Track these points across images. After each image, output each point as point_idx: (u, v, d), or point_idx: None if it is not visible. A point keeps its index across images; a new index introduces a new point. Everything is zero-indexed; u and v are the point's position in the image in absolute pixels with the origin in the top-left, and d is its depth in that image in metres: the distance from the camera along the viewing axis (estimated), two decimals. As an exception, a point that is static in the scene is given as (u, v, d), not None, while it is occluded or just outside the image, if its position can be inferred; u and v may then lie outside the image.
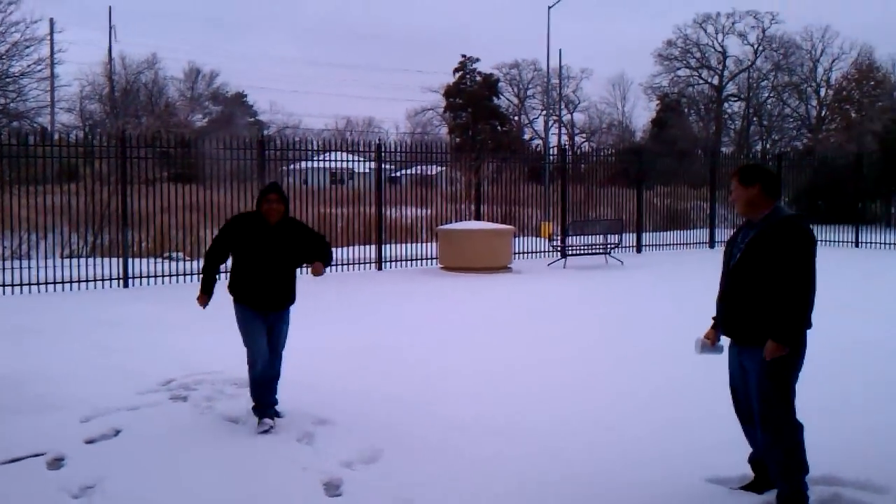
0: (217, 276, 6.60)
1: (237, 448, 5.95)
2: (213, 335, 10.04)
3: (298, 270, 6.75)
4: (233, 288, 6.48)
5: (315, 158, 21.30)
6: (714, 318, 5.07)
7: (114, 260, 16.07)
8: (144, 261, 16.83)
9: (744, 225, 4.94)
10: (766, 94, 59.80)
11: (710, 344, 5.02)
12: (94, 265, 15.86)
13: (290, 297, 6.59)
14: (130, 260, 15.89)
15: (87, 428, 6.37)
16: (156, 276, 15.84)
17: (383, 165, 19.80)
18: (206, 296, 6.55)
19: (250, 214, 6.53)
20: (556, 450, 5.83)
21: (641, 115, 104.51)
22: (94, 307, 12.74)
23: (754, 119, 60.12)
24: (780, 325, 4.51)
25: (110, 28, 46.65)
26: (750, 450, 5.03)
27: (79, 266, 15.59)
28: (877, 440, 6.01)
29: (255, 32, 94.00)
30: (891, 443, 5.95)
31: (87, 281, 15.13)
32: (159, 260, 17.38)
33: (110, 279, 15.38)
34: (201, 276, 6.53)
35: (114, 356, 8.99)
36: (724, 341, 4.99)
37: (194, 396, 7.30)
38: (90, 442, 6.10)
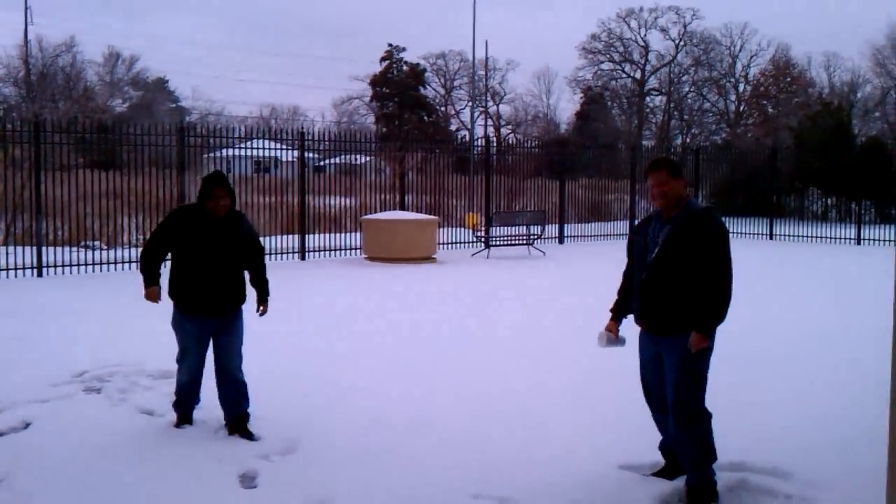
0: (159, 269, 6.03)
1: (151, 440, 5.86)
2: (128, 325, 9.88)
3: None
4: (174, 292, 5.90)
5: (238, 146, 21.07)
6: (612, 311, 5.17)
7: (28, 248, 15.65)
8: (60, 249, 16.42)
9: (651, 217, 4.98)
10: (687, 89, 60.95)
11: (614, 337, 5.08)
12: (7, 254, 15.42)
13: (240, 297, 6.02)
14: (45, 248, 15.49)
15: (-5, 421, 6.20)
16: (72, 266, 15.48)
17: (308, 154, 19.66)
18: (154, 286, 5.98)
19: (193, 208, 5.89)
20: (470, 440, 5.88)
21: (566, 107, 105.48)
22: (6, 296, 12.40)
23: (675, 113, 61.23)
24: (704, 317, 4.61)
25: (26, 9, 45.25)
26: (660, 437, 5.13)
27: (-10, 254, 15.13)
28: (786, 428, 6.19)
29: (178, 16, 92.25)
30: (799, 431, 6.13)
31: (0, 270, 14.72)
32: (76, 249, 16.98)
33: (24, 268, 14.98)
34: (142, 272, 5.95)
35: (25, 347, 8.76)
36: (626, 333, 5.08)
37: (108, 388, 7.16)
38: (-1, 435, 5.94)
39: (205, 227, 5.80)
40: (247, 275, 6.12)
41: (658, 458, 5.21)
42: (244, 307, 6.06)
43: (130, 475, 5.18)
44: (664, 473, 5.09)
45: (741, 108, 59.64)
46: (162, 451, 5.60)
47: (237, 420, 5.97)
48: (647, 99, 62.87)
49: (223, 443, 5.79)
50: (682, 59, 60.48)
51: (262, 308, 6.19)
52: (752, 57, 59.02)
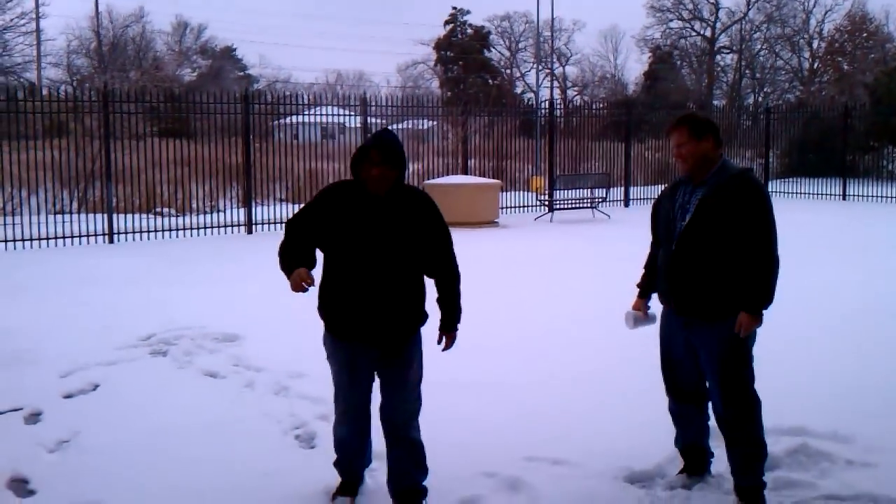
0: (305, 257, 4.11)
1: (215, 402, 6.01)
2: (195, 290, 10.10)
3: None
4: (323, 306, 4.19)
5: (304, 113, 21.20)
6: (639, 286, 4.69)
7: (100, 216, 16.04)
8: (131, 217, 16.81)
9: (679, 183, 4.41)
10: (759, 47, 59.41)
11: (642, 316, 4.63)
12: (81, 221, 15.84)
13: (415, 317, 4.19)
14: (116, 216, 15.87)
15: (65, 383, 6.42)
16: (142, 232, 15.83)
17: (371, 120, 19.71)
18: (301, 268, 3.99)
19: (347, 185, 4.15)
20: (528, 404, 5.90)
21: (634, 67, 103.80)
22: (77, 263, 12.75)
23: (746, 72, 59.79)
24: (754, 296, 4.11)
25: (97, -19, 46.03)
26: (670, 434, 4.68)
27: (64, 222, 15.55)
28: (845, 393, 6.08)
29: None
30: (860, 396, 6.02)
31: (72, 237, 15.12)
32: (146, 216, 17.36)
33: (96, 235, 15.38)
34: (283, 271, 4.09)
35: (94, 311, 9.01)
36: (655, 309, 4.62)
37: (174, 351, 7.35)
38: (68, 397, 6.15)
39: (359, 210, 4.04)
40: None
41: (660, 462, 4.82)
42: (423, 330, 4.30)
43: (194, 435, 5.32)
44: (687, 473, 4.60)
45: (815, 65, 57.92)
46: (224, 413, 5.73)
47: (405, 495, 4.28)
48: (718, 57, 61.46)
49: (282, 403, 5.87)
50: (753, 16, 58.91)
51: (446, 339, 4.32)
52: (826, 12, 57.20)
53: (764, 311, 4.16)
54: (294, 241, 4.12)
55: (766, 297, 4.13)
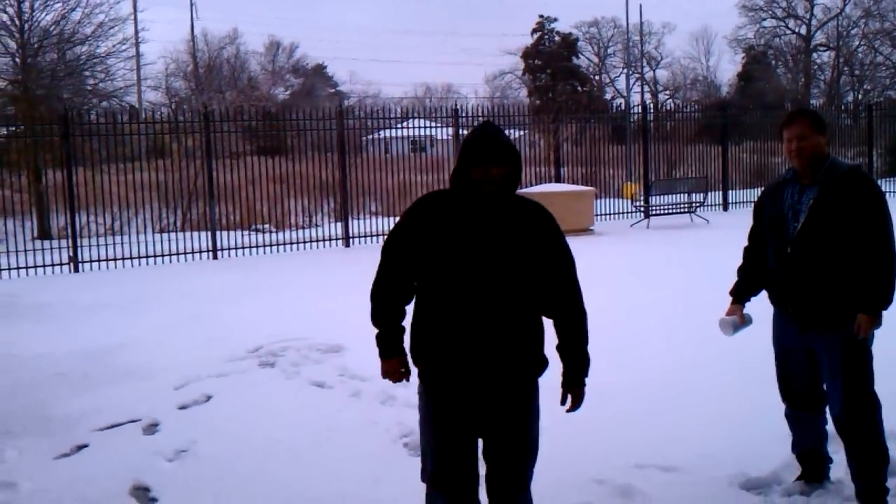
0: (401, 318, 3.49)
1: (323, 411, 6.11)
2: (298, 303, 10.30)
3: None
4: (417, 348, 3.41)
5: (395, 126, 21.46)
6: (733, 294, 4.55)
7: (203, 233, 16.51)
8: (232, 233, 17.26)
9: (785, 181, 4.26)
10: (857, 43, 57.55)
11: (740, 321, 4.45)
12: (185, 239, 16.31)
13: (532, 358, 3.41)
14: (219, 233, 16.31)
15: (179, 394, 6.64)
16: (243, 248, 16.22)
17: (462, 131, 19.81)
18: (392, 359, 3.47)
19: (444, 195, 3.38)
20: (638, 413, 5.84)
21: (727, 69, 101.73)
22: (184, 279, 13.13)
23: (845, 69, 58.03)
24: (873, 296, 3.97)
25: (192, 5, 47.49)
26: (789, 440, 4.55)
27: (170, 240, 16.05)
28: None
29: (332, 3, 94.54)
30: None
31: (178, 254, 15.59)
32: (247, 232, 17.79)
33: (200, 252, 15.82)
34: (376, 326, 3.49)
35: (203, 325, 9.27)
36: (750, 311, 4.51)
37: (281, 362, 7.52)
38: (183, 408, 6.35)
39: (463, 219, 3.28)
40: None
41: (776, 468, 4.70)
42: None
43: (305, 443, 5.43)
44: (805, 479, 4.49)
45: (918, 59, 55.92)
46: (333, 422, 5.84)
47: None
48: (814, 55, 59.81)
49: (389, 413, 5.94)
50: (850, 11, 57.13)
51: (572, 397, 3.52)
52: (928, 4, 55.20)
53: (884, 312, 4.04)
54: (391, 277, 3.40)
55: (886, 297, 4.01)
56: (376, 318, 3.47)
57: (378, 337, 3.48)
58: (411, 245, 3.33)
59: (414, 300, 3.45)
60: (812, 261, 4.07)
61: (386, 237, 3.50)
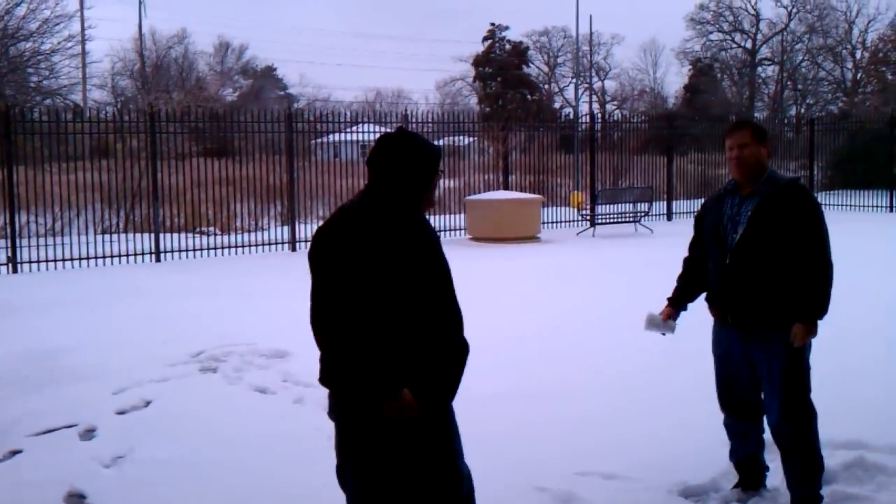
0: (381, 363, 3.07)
1: (266, 417, 6.06)
2: (242, 307, 10.20)
3: None
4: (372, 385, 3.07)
5: (344, 131, 21.38)
6: (670, 300, 4.60)
7: (146, 235, 16.27)
8: (176, 235, 17.04)
9: (725, 193, 4.33)
10: (801, 58, 58.84)
11: (662, 321, 4.52)
12: (128, 240, 16.07)
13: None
14: (162, 235, 16.09)
15: (118, 399, 6.52)
16: (187, 251, 16.02)
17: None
18: (404, 391, 3.08)
19: (370, 213, 3.15)
20: (578, 418, 5.87)
21: (674, 80, 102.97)
22: (126, 281, 12.92)
23: (788, 83, 59.22)
24: (809, 306, 4.05)
25: (140, 4, 46.86)
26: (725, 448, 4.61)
27: (112, 242, 15.79)
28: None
29: (284, 4, 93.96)
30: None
31: (120, 256, 15.34)
32: (191, 234, 17.58)
33: (143, 254, 15.59)
34: (357, 367, 3.06)
35: (145, 329, 9.13)
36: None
37: (223, 368, 7.43)
38: (121, 413, 6.25)
39: (417, 243, 3.19)
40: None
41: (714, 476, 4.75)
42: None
43: (245, 450, 5.37)
44: (742, 487, 4.54)
45: (858, 75, 57.23)
46: (275, 428, 5.78)
47: None
48: (759, 69, 60.96)
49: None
50: (795, 27, 58.38)
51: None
52: (869, 22, 56.49)
53: (819, 322, 4.12)
54: (358, 313, 3.01)
55: (822, 307, 4.09)
56: (358, 356, 3.02)
57: (367, 374, 3.02)
58: (373, 273, 3.02)
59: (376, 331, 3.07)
60: (751, 270, 4.12)
61: (334, 297, 3.04)
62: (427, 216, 3.32)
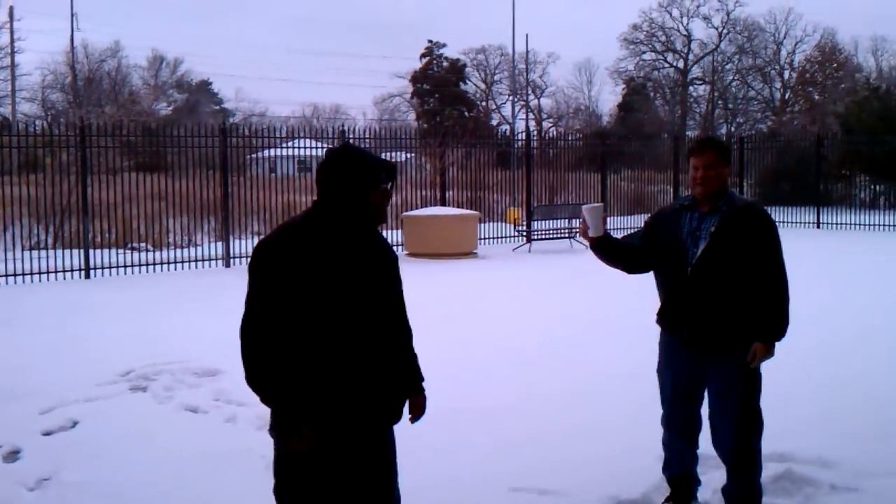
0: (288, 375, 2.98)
1: (196, 437, 5.95)
2: (173, 325, 10.03)
3: None
4: (282, 403, 3.01)
5: (281, 146, 21.21)
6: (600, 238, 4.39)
7: (76, 251, 15.92)
8: (107, 251, 16.70)
9: (682, 208, 4.31)
10: (731, 78, 60.28)
11: (601, 216, 4.35)
12: (57, 256, 15.70)
13: (399, 403, 3.28)
14: (93, 251, 15.76)
15: (44, 420, 6.34)
16: (118, 267, 15.71)
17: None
18: (307, 429, 2.97)
19: (311, 227, 3.06)
20: (511, 435, 5.88)
21: (608, 99, 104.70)
22: (54, 298, 12.63)
23: (719, 102, 60.58)
24: (770, 326, 4.12)
25: (72, 16, 46.09)
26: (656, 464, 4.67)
27: (41, 258, 15.41)
28: (829, 418, 6.12)
29: (220, 18, 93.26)
30: (843, 421, 6.06)
31: (48, 272, 14.98)
32: (122, 251, 17.24)
33: (72, 270, 15.25)
34: (271, 393, 3.00)
35: (73, 347, 8.92)
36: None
37: (154, 386, 7.28)
38: (47, 434, 6.08)
39: (344, 254, 3.03)
40: None
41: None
42: None
43: (174, 471, 5.27)
44: (674, 501, 4.56)
45: (786, 95, 58.84)
46: (205, 449, 5.68)
47: None
48: (691, 88, 62.27)
49: (266, 440, 5.83)
50: (725, 48, 59.85)
51: (417, 406, 3.44)
52: (797, 43, 58.27)
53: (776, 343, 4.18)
54: (275, 327, 2.93)
55: (781, 329, 4.16)
56: (272, 380, 2.94)
57: (280, 402, 2.96)
58: (295, 287, 2.92)
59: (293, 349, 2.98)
60: (711, 286, 4.12)
61: (252, 307, 3.00)
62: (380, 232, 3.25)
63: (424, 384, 3.46)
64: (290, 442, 2.98)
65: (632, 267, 4.48)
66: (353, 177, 3.04)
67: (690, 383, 4.33)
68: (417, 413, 3.41)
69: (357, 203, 3.04)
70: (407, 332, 3.36)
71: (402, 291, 3.29)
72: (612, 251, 4.46)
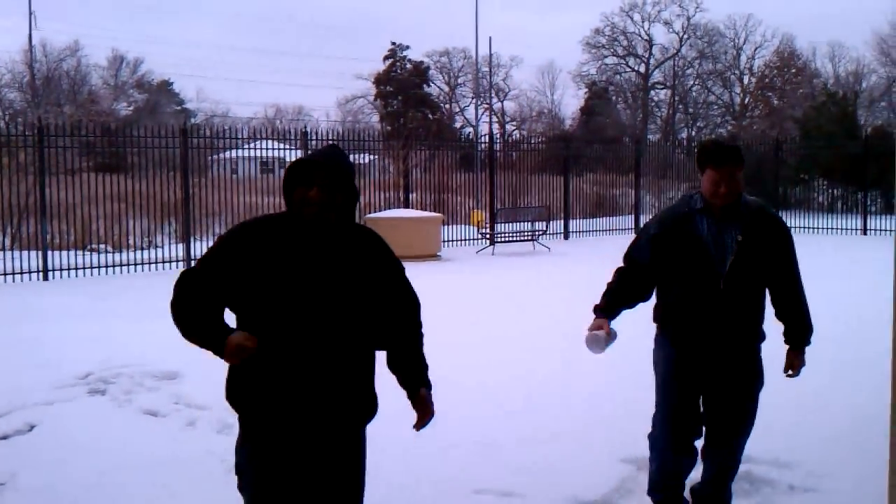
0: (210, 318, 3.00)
1: (156, 441, 5.89)
2: (132, 327, 9.93)
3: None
4: (236, 393, 3.12)
5: (243, 147, 21.07)
6: (603, 308, 4.15)
7: (34, 252, 15.70)
8: (66, 253, 16.49)
9: (690, 214, 4.03)
10: (692, 82, 60.88)
11: (607, 336, 4.03)
12: (14, 258, 15.48)
13: (366, 403, 3.20)
14: (51, 252, 15.55)
15: (0, 423, 6.24)
16: (77, 269, 15.53)
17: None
18: (234, 335, 2.95)
19: (273, 220, 3.08)
20: (471, 436, 5.89)
21: (570, 103, 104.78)
22: (11, 300, 12.45)
23: (680, 107, 61.15)
24: (802, 332, 4.11)
25: (30, 14, 45.40)
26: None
27: (-3, 259, 15.19)
28: (788, 420, 6.19)
29: (182, 18, 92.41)
30: (801, 423, 6.14)
31: (5, 274, 14.77)
32: (81, 252, 17.03)
33: (29, 272, 15.04)
34: (185, 329, 3.04)
35: (30, 350, 8.80)
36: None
37: (112, 390, 7.20)
38: (3, 438, 5.98)
39: (294, 250, 2.98)
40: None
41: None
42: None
43: (134, 475, 5.21)
44: None
45: (746, 100, 59.54)
46: (165, 452, 5.62)
47: None
48: (652, 93, 62.79)
49: (226, 442, 5.79)
50: (686, 52, 60.43)
51: (422, 413, 3.35)
52: (756, 48, 58.97)
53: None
54: (197, 300, 2.99)
55: (811, 332, 4.15)
56: (194, 329, 2.99)
57: (203, 332, 2.97)
58: (230, 273, 2.95)
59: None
60: (742, 297, 3.99)
61: (196, 263, 3.11)
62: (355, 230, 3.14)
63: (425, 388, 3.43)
64: (227, 349, 2.92)
65: (645, 297, 4.22)
66: (287, 172, 3.03)
67: (696, 399, 4.16)
68: (424, 419, 3.32)
69: (287, 199, 3.02)
70: (400, 337, 3.31)
71: (380, 293, 3.19)
72: (626, 305, 4.20)
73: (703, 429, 4.23)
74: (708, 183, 3.94)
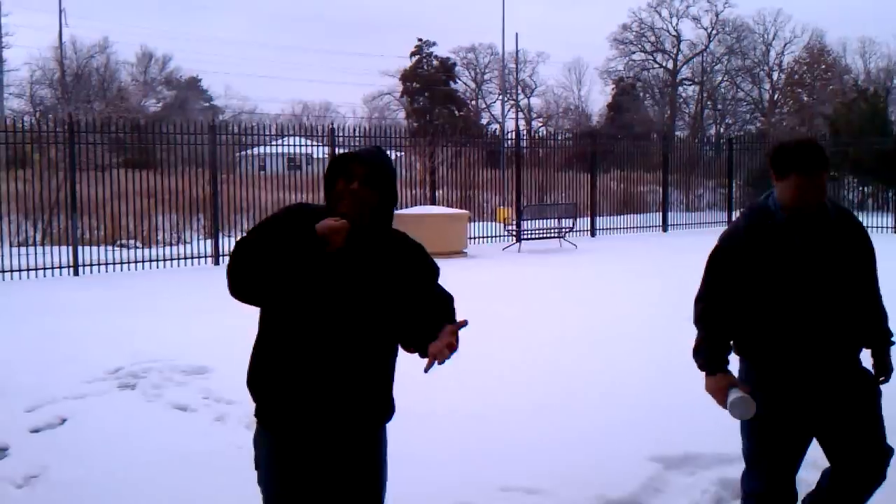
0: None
1: (184, 435, 5.95)
2: (162, 322, 10.02)
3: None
4: (255, 382, 3.11)
5: (271, 143, 21.17)
6: (718, 360, 3.53)
7: (64, 248, 15.87)
8: (96, 249, 16.66)
9: (777, 226, 3.53)
10: (720, 78, 60.46)
11: (748, 395, 3.41)
12: (45, 253, 15.66)
13: (382, 406, 3.12)
14: (81, 248, 15.72)
15: (32, 417, 6.33)
16: (107, 264, 15.68)
17: (338, 150, 19.74)
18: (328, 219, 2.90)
19: (317, 211, 3.00)
20: (498, 434, 5.90)
21: (597, 99, 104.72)
22: (42, 295, 12.60)
23: (708, 103, 60.75)
24: (889, 334, 3.71)
25: (60, 11, 45.85)
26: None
27: (28, 254, 15.36)
28: None
29: (210, 15, 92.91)
30: None
31: (36, 269, 14.94)
32: (111, 248, 17.20)
33: (60, 267, 15.20)
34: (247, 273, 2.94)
35: (61, 344, 8.91)
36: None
37: (142, 384, 7.28)
38: (35, 431, 6.07)
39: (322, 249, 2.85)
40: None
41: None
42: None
43: (163, 469, 5.26)
44: None
45: (775, 96, 59.04)
46: (195, 446, 5.68)
47: None
48: (680, 89, 62.41)
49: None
50: (714, 48, 60.01)
51: (446, 340, 2.99)
52: (785, 44, 58.46)
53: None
54: (257, 249, 2.88)
55: (892, 334, 3.76)
56: (257, 258, 2.86)
57: (275, 255, 2.84)
58: (277, 245, 2.85)
59: (259, 324, 3.08)
60: (843, 311, 3.57)
61: (248, 232, 3.01)
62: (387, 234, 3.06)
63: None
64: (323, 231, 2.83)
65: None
66: (330, 165, 3.00)
67: (804, 433, 3.63)
68: (441, 355, 2.91)
69: (328, 193, 2.99)
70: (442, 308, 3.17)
71: (403, 304, 3.04)
72: (729, 352, 3.65)
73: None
74: (793, 190, 3.45)
